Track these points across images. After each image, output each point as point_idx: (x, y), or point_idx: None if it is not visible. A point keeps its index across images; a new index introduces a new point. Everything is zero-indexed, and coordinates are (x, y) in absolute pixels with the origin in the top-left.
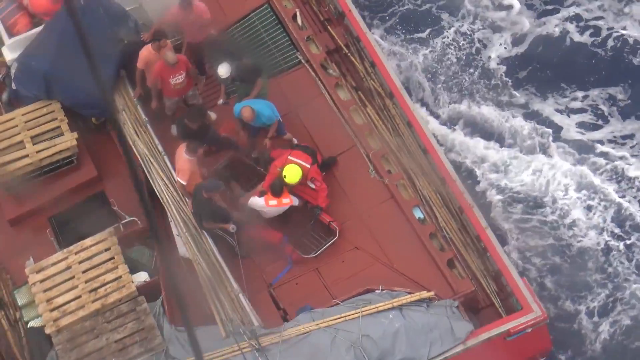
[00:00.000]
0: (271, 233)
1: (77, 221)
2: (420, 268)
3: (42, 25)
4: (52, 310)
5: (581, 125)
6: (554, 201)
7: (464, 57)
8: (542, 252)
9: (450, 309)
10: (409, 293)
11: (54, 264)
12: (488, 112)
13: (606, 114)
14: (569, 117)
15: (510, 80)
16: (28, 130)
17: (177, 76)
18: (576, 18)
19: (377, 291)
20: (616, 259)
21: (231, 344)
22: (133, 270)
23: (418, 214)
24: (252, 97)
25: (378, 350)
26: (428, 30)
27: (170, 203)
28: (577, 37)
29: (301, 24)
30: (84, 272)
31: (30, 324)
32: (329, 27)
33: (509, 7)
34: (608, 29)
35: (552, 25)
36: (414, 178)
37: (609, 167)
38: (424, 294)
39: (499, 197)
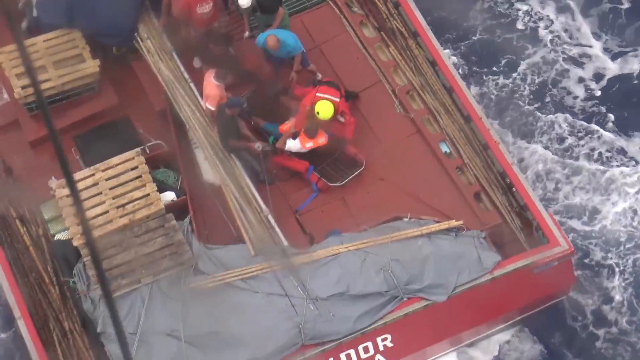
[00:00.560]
0: (297, 161)
1: (101, 143)
2: (447, 200)
3: None
4: (80, 224)
5: None
6: None
7: (539, 91)
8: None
9: (478, 239)
10: (437, 222)
11: (80, 179)
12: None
13: None
14: None
15: (590, 117)
16: (50, 55)
17: (205, 5)
18: None
19: (405, 219)
20: None
21: (261, 262)
22: (159, 191)
23: (444, 148)
24: (275, 28)
25: (407, 275)
26: (504, 61)
27: (197, 128)
28: None
29: None
30: (111, 188)
31: (57, 237)
32: None
33: (588, 45)
34: None
35: (633, 64)
36: (438, 116)
37: None
38: (453, 223)
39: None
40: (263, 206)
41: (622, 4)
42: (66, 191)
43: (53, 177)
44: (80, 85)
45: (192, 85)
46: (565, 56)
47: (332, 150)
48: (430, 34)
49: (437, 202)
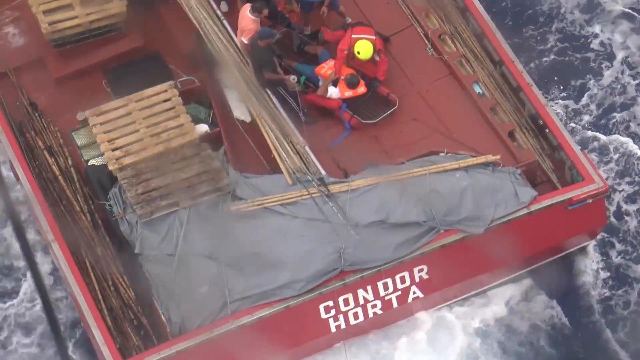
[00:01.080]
0: (330, 99)
1: (132, 77)
2: (481, 139)
3: None
4: (114, 150)
5: None
6: None
7: (606, 113)
8: None
9: (514, 175)
10: (474, 157)
11: (114, 109)
12: None
13: None
14: None
15: None
16: None
17: None
18: None
19: (441, 154)
20: None
21: (299, 190)
22: None
23: (477, 89)
24: None
25: (445, 206)
26: (574, 82)
27: (231, 63)
28: None
29: None
30: (145, 118)
31: (91, 162)
32: None
33: None
34: None
35: None
36: (469, 61)
37: None
38: (490, 157)
39: None
40: (300, 137)
41: None
42: (100, 119)
43: (79, 112)
44: (106, 25)
45: (224, 21)
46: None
47: (365, 91)
48: None
49: (472, 140)
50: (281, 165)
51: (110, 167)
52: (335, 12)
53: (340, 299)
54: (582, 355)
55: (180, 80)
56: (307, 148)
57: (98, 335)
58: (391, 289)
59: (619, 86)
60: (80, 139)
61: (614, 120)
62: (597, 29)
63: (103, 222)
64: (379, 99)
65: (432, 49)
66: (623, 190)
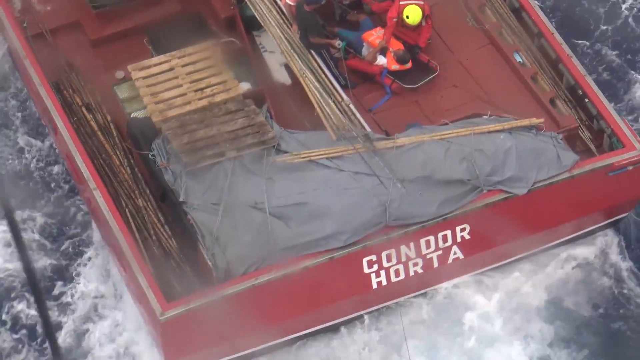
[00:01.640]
0: (372, 65)
1: (173, 36)
2: (523, 105)
3: None
4: (157, 103)
5: None
6: None
7: None
8: None
9: (556, 139)
10: (517, 120)
11: (156, 64)
12: None
13: None
14: None
15: None
16: None
17: None
18: None
19: (484, 116)
20: None
21: (344, 145)
22: None
23: (518, 58)
24: None
25: (489, 165)
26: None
27: (274, 25)
28: None
29: None
30: (188, 74)
31: (134, 115)
32: None
33: None
34: None
35: None
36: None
37: None
38: (533, 120)
39: None
40: (344, 96)
41: None
42: (142, 73)
43: (119, 71)
44: None
45: None
46: None
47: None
48: None
49: (513, 107)
50: (325, 122)
51: (154, 119)
52: None
53: (384, 254)
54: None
55: (222, 42)
56: (351, 106)
57: (142, 279)
58: (433, 247)
59: None
60: (122, 92)
61: None
62: None
63: (143, 176)
64: (420, 66)
65: (472, 19)
66: None
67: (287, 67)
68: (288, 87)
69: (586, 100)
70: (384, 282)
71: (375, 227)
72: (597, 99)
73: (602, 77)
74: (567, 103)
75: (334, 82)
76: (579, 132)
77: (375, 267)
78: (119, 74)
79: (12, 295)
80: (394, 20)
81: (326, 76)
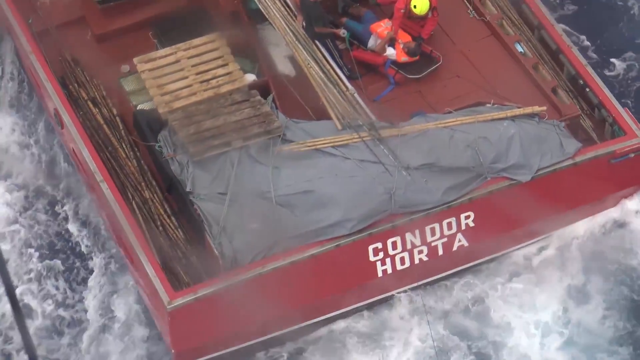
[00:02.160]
0: (375, 55)
1: (178, 29)
2: (525, 94)
3: None
4: (164, 94)
5: None
6: None
7: None
8: None
9: (558, 127)
10: (520, 107)
11: (162, 57)
12: None
13: None
14: None
15: None
16: None
17: None
18: None
19: (487, 105)
20: None
21: (350, 133)
22: None
23: (519, 48)
24: None
25: (493, 152)
26: None
27: (279, 17)
28: None
29: None
30: (193, 65)
31: (140, 107)
32: None
33: None
34: None
35: None
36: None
37: None
38: (536, 108)
39: None
40: (349, 85)
41: None
42: (148, 66)
43: (124, 65)
44: None
45: None
46: None
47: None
48: None
49: (515, 96)
50: (330, 112)
51: (161, 110)
52: None
53: (389, 242)
54: None
55: (227, 34)
56: (356, 95)
57: (149, 269)
58: (438, 234)
59: None
60: (128, 85)
61: None
62: None
63: (149, 168)
64: (423, 56)
65: (473, 11)
66: None
67: (292, 59)
68: (293, 79)
69: (587, 89)
70: (389, 270)
71: (381, 215)
72: (597, 87)
73: (604, 66)
74: (569, 93)
75: (339, 72)
76: (581, 120)
77: (381, 255)
78: (125, 68)
79: None
80: (402, 11)
81: (331, 66)
